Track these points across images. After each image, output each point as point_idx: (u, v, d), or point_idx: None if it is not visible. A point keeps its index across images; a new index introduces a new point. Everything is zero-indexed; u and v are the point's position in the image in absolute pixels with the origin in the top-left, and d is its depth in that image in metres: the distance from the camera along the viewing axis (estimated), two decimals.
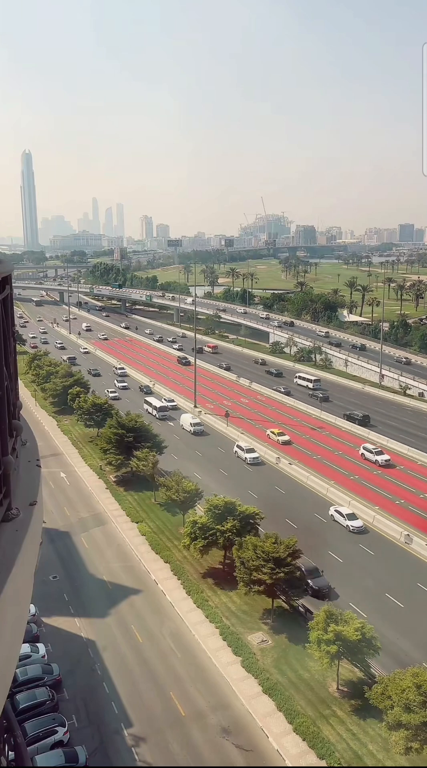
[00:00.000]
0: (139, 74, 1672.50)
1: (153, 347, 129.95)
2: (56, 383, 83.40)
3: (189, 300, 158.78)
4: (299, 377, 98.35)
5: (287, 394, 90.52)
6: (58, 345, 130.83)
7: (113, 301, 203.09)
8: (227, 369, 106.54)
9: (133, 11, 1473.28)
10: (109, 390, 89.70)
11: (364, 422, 75.98)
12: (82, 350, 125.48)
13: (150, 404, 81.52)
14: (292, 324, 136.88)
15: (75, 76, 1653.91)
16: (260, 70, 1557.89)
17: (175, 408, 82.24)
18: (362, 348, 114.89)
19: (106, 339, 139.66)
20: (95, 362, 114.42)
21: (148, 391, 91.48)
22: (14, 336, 8.20)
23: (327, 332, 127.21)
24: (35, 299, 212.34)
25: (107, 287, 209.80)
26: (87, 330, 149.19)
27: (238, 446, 66.66)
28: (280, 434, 71.12)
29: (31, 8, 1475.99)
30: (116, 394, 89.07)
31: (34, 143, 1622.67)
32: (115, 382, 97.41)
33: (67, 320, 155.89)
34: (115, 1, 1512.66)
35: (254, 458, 63.80)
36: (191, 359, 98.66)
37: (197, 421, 75.38)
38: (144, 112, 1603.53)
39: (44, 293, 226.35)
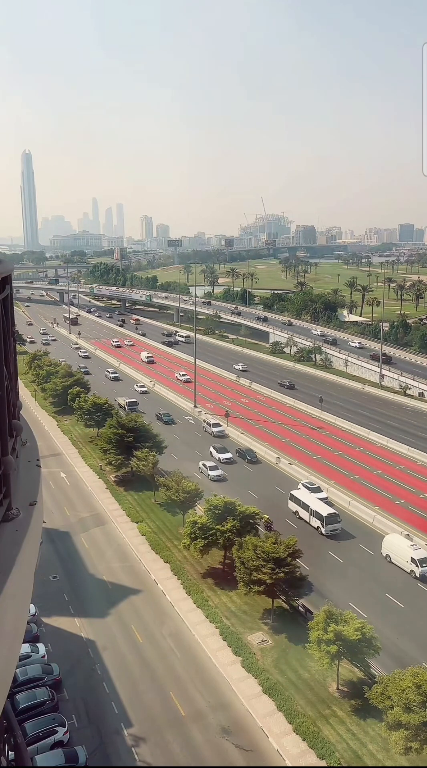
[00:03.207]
0: (139, 74, 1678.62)
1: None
2: (56, 383, 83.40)
3: (185, 299, 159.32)
4: (178, 335, 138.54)
5: (143, 335, 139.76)
6: (111, 375, 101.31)
7: (113, 301, 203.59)
8: (143, 335, 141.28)
9: (135, 11, 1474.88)
10: (207, 463, 59.81)
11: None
12: (138, 388, 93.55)
13: (306, 507, 49.09)
14: (265, 319, 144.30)
15: (75, 76, 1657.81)
16: (261, 70, 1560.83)
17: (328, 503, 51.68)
18: (389, 361, 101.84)
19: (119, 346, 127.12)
20: (161, 403, 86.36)
21: (254, 459, 63.13)
22: (14, 336, 8.20)
23: (290, 321, 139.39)
24: (71, 316, 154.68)
25: (109, 287, 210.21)
26: (149, 362, 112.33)
27: None
28: None
29: (31, 7, 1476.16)
30: (220, 473, 58.31)
31: (34, 143, 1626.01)
32: (213, 449, 64.88)
33: (118, 345, 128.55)
34: (117, 1, 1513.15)
35: None
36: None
37: (424, 554, 42.25)
38: (144, 111, 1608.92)
39: (44, 293, 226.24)
